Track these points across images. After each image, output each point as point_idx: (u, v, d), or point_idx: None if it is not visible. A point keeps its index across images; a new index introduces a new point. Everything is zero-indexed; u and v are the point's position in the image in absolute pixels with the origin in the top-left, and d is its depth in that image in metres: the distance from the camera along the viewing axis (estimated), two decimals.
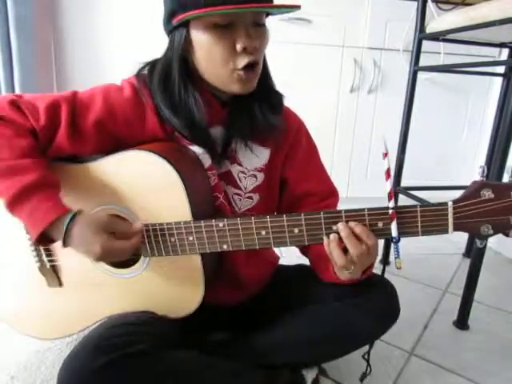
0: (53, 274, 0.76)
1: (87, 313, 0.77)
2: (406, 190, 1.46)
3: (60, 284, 0.77)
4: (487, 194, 0.58)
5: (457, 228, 0.61)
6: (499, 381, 0.98)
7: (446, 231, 0.61)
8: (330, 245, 0.64)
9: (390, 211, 0.61)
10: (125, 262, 0.74)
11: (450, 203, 0.60)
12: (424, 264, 1.58)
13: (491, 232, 0.60)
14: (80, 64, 1.65)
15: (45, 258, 0.76)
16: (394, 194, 0.62)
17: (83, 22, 1.62)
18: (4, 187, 0.63)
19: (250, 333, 0.84)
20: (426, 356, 1.05)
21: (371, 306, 0.77)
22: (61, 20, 1.61)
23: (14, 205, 0.62)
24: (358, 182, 1.91)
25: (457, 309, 1.19)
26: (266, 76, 0.77)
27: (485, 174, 0.60)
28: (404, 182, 1.48)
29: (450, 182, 1.87)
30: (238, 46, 0.66)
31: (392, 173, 0.63)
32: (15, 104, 0.67)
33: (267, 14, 0.72)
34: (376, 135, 1.87)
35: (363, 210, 0.63)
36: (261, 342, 0.82)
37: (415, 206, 0.61)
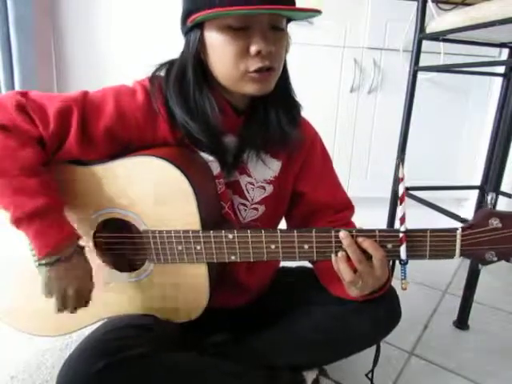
0: None
1: (86, 312, 0.76)
2: (406, 190, 1.46)
3: None
4: (495, 223, 0.60)
5: (463, 254, 0.62)
6: (499, 381, 0.98)
7: (452, 256, 0.63)
8: (339, 262, 0.64)
9: (401, 234, 0.62)
10: (129, 265, 0.73)
11: (459, 230, 0.61)
12: (424, 264, 1.58)
13: (495, 259, 0.61)
14: (80, 64, 1.65)
15: None
16: (405, 218, 0.63)
17: (83, 22, 1.61)
18: (8, 206, 0.63)
19: (250, 334, 0.84)
20: (426, 356, 1.05)
21: (372, 309, 0.77)
22: (61, 20, 1.61)
23: (19, 224, 0.63)
24: (357, 182, 1.90)
25: (457, 309, 1.19)
26: (286, 83, 0.75)
27: (493, 202, 0.62)
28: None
29: (450, 182, 1.87)
30: (252, 49, 0.64)
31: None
32: (23, 108, 0.63)
33: (289, 20, 0.70)
34: (376, 135, 1.86)
35: (374, 230, 0.64)
36: (261, 344, 0.82)
37: (425, 231, 0.62)
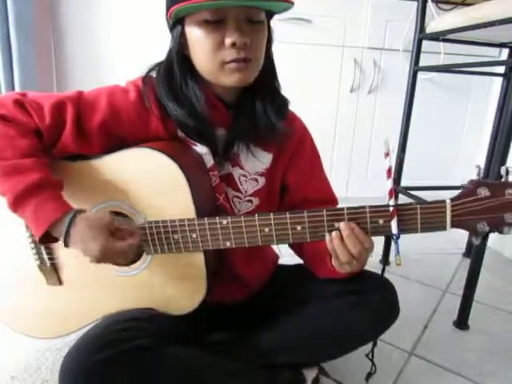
0: (53, 272, 0.76)
1: (87, 311, 0.77)
2: (406, 190, 1.46)
3: (60, 282, 0.77)
4: (483, 192, 0.60)
5: (454, 225, 0.63)
6: (499, 381, 0.98)
7: (444, 228, 0.63)
8: (334, 241, 0.65)
9: (391, 209, 0.63)
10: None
11: (448, 201, 0.62)
12: (424, 264, 1.58)
13: (487, 229, 0.62)
14: (80, 64, 1.65)
15: (45, 256, 0.76)
16: (394, 191, 0.64)
17: (83, 22, 1.62)
18: (7, 187, 0.63)
19: (249, 332, 0.85)
20: (426, 356, 1.05)
21: (371, 305, 0.77)
22: (61, 20, 1.61)
23: (16, 204, 0.63)
24: (357, 182, 1.91)
25: (457, 309, 1.19)
26: (272, 77, 0.77)
27: (481, 173, 0.62)
28: (404, 182, 1.48)
29: (450, 182, 1.86)
30: (227, 41, 0.65)
31: (393, 171, 0.64)
32: (20, 103, 0.66)
33: (271, 15, 0.72)
34: (376, 135, 1.87)
35: (364, 207, 0.64)
36: (261, 342, 0.82)
37: (415, 204, 0.63)
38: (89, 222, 0.63)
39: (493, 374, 0.99)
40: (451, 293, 1.39)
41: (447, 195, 1.88)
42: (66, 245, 0.63)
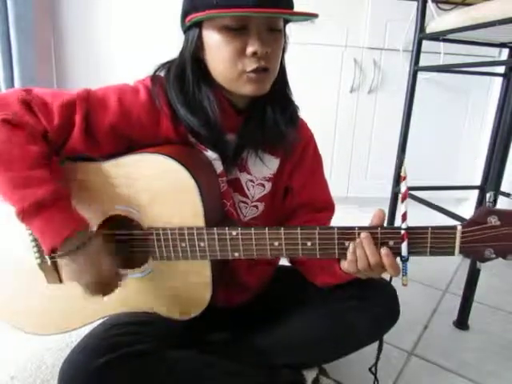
0: (53, 270, 0.76)
1: (87, 310, 0.76)
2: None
3: (60, 281, 0.77)
4: (493, 220, 0.61)
5: (462, 251, 0.63)
6: (499, 381, 0.98)
7: (452, 253, 0.63)
8: (357, 247, 0.64)
9: (402, 232, 0.63)
10: (131, 262, 0.74)
11: (459, 227, 0.62)
12: (424, 264, 1.58)
13: (493, 256, 0.63)
14: (80, 64, 1.65)
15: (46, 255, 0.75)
16: (407, 215, 0.63)
17: (83, 22, 1.62)
18: (15, 199, 0.61)
19: (250, 333, 0.85)
20: (426, 356, 1.05)
21: (371, 307, 0.77)
22: (61, 20, 1.61)
23: (24, 218, 0.61)
24: (357, 182, 1.90)
25: (457, 309, 1.20)
26: (284, 84, 0.76)
27: (492, 200, 0.62)
28: None
29: (450, 182, 1.87)
30: (249, 50, 0.64)
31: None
32: (27, 104, 0.64)
33: (286, 21, 0.71)
34: (376, 135, 1.86)
35: (376, 227, 0.64)
36: (261, 342, 0.82)
37: (426, 228, 0.63)
38: (99, 246, 0.64)
39: (493, 374, 0.99)
40: (451, 293, 1.39)
41: (447, 195, 1.87)
42: (64, 256, 0.62)
